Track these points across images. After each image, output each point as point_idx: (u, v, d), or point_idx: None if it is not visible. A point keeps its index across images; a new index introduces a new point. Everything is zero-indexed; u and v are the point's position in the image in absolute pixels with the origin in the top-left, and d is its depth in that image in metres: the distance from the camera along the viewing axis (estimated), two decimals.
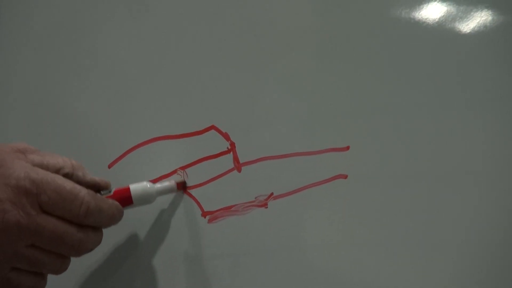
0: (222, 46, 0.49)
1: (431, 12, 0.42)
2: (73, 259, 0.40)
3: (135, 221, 0.50)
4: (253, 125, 0.47)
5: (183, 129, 0.49)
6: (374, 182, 0.42)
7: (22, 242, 0.35)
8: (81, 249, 0.38)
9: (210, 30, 0.50)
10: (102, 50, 0.55)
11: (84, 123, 0.54)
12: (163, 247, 0.49)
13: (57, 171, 0.38)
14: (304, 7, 0.46)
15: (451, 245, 0.39)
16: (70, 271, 0.51)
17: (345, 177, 0.43)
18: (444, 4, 0.42)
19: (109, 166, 0.51)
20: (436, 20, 0.42)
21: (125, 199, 0.41)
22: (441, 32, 0.42)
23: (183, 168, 0.48)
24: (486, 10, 0.41)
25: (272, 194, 0.45)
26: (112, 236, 0.50)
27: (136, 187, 0.42)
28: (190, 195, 0.48)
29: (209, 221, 0.47)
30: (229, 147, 0.47)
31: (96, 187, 0.41)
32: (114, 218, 0.40)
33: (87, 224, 0.38)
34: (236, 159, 0.47)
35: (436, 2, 0.42)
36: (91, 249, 0.40)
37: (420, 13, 0.43)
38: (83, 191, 0.37)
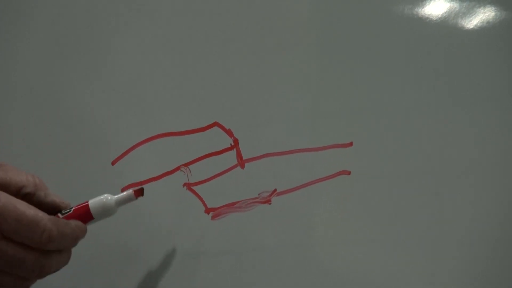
0: (225, 44, 0.49)
1: (434, 9, 0.42)
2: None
3: (137, 218, 0.50)
4: (257, 122, 0.47)
5: (187, 126, 0.49)
6: (377, 178, 0.42)
7: None
8: (42, 273, 0.38)
9: (214, 28, 0.50)
10: (106, 47, 0.55)
11: (88, 120, 0.54)
12: (167, 243, 0.49)
13: (19, 189, 0.39)
14: (308, 5, 0.46)
15: (454, 241, 0.39)
16: (69, 268, 0.51)
17: (349, 173, 0.43)
18: (447, 0, 0.42)
19: (113, 163, 0.51)
20: (439, 16, 0.42)
21: (86, 215, 0.41)
22: (444, 28, 0.42)
23: (186, 165, 0.49)
24: (489, 6, 0.41)
25: (275, 190, 0.45)
26: (114, 233, 0.51)
27: (94, 202, 0.41)
28: (194, 192, 0.48)
29: (213, 217, 0.47)
30: (233, 144, 0.47)
31: (56, 209, 0.41)
32: (77, 239, 0.40)
33: (50, 249, 0.38)
34: (239, 155, 0.47)
35: None
36: (56, 271, 0.39)
37: (423, 10, 0.43)
38: (44, 219, 0.36)
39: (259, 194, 0.46)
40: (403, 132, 0.42)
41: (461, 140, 0.40)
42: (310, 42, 0.46)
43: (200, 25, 0.51)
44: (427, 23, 0.42)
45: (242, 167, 0.47)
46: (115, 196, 0.42)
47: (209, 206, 0.47)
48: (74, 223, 0.39)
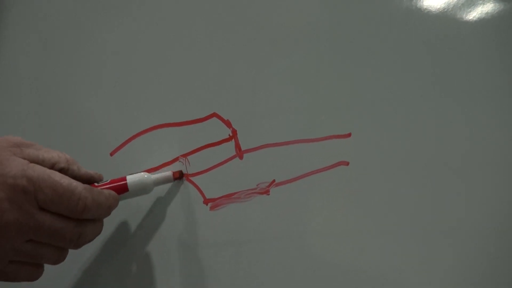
0: (223, 35, 0.49)
1: (433, 1, 0.42)
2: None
3: (136, 208, 0.50)
4: (255, 112, 0.47)
5: (185, 117, 0.49)
6: (376, 169, 0.42)
7: (20, 238, 0.36)
8: (79, 243, 0.39)
9: (212, 19, 0.50)
10: (103, 39, 0.55)
11: (86, 111, 0.54)
12: (165, 234, 0.49)
13: (52, 165, 0.39)
14: None
15: (451, 232, 0.39)
16: (67, 260, 0.51)
17: (347, 164, 0.43)
18: None
19: (111, 154, 0.51)
20: (438, 8, 0.42)
21: (121, 188, 0.41)
22: (443, 20, 0.42)
23: (184, 155, 0.49)
24: None
25: (274, 181, 0.45)
26: (113, 224, 0.51)
27: (133, 177, 0.42)
28: (192, 183, 0.48)
29: (211, 208, 0.47)
30: (231, 135, 0.47)
31: (91, 180, 0.42)
32: (111, 209, 0.40)
33: (86, 218, 0.38)
34: (237, 146, 0.47)
35: None
36: (90, 241, 0.40)
37: (421, 2, 0.43)
38: (79, 187, 0.37)
39: (257, 185, 0.46)
40: (401, 123, 0.42)
41: (460, 133, 0.40)
42: (308, 34, 0.46)
43: (198, 17, 0.51)
44: (425, 15, 0.43)
45: (241, 158, 0.47)
46: (153, 175, 0.42)
47: (207, 197, 0.48)
48: (107, 191, 0.40)
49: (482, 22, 0.41)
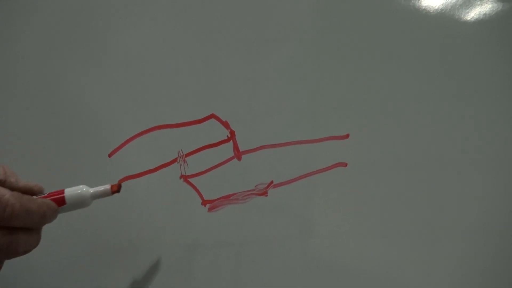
0: (222, 36, 0.49)
1: (431, 1, 0.42)
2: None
3: (134, 210, 0.50)
4: (253, 114, 0.47)
5: (183, 118, 0.49)
6: (374, 170, 0.42)
7: None
8: (9, 253, 0.37)
9: (210, 20, 0.50)
10: (102, 40, 0.55)
11: (85, 112, 0.54)
12: (163, 236, 0.49)
13: None
14: None
15: (450, 231, 0.39)
16: (68, 262, 0.51)
17: (345, 165, 0.43)
18: None
19: (110, 155, 0.51)
20: (436, 8, 0.42)
21: (58, 200, 0.41)
22: (441, 20, 0.42)
23: (182, 156, 0.49)
24: None
25: (272, 182, 0.45)
26: (111, 226, 0.51)
27: (71, 190, 0.41)
28: (190, 184, 0.48)
29: (209, 209, 0.47)
30: (229, 136, 0.47)
31: (29, 192, 0.40)
32: (45, 217, 0.39)
33: (17, 226, 0.37)
34: (236, 147, 0.47)
35: None
36: (24, 252, 0.39)
37: (420, 2, 0.43)
38: (7, 194, 0.36)
39: (255, 186, 0.46)
40: (399, 124, 0.42)
41: (458, 132, 0.40)
42: (307, 35, 0.46)
43: (196, 18, 0.51)
44: (423, 15, 0.42)
45: (239, 159, 0.47)
46: (91, 189, 0.42)
47: (205, 198, 0.48)
48: (41, 200, 0.39)
49: (480, 22, 0.41)
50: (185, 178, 0.48)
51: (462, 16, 0.42)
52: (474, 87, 0.40)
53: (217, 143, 0.48)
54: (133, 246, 0.50)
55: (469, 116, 0.40)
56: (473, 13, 0.41)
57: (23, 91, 0.58)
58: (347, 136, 0.43)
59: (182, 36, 0.51)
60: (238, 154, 0.46)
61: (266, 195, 0.45)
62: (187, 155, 0.49)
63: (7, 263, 0.44)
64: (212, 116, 0.48)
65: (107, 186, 0.42)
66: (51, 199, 0.40)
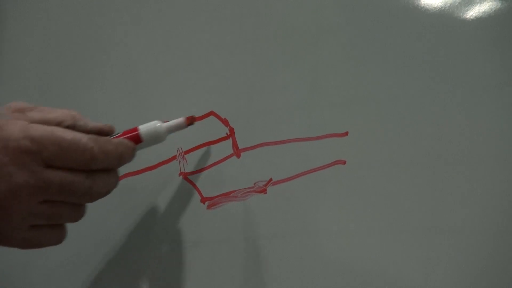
0: (221, 33, 0.49)
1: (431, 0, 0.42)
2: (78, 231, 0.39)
3: (132, 207, 0.50)
4: (252, 111, 0.47)
5: (182, 115, 0.49)
6: (373, 167, 0.42)
7: (33, 200, 0.35)
8: (93, 195, 0.38)
9: (209, 18, 0.50)
10: (102, 37, 0.55)
11: (82, 110, 0.54)
12: (162, 234, 0.49)
13: (57, 124, 0.38)
14: None
15: (450, 231, 0.39)
16: (66, 262, 0.51)
17: (344, 162, 0.43)
18: None
19: None
20: (435, 6, 0.42)
21: (133, 138, 0.40)
22: (440, 18, 0.42)
23: (181, 154, 0.49)
24: None
25: (271, 179, 0.45)
26: (109, 222, 0.51)
27: (145, 126, 0.41)
28: (189, 181, 0.48)
29: (208, 207, 0.47)
30: (228, 133, 0.47)
31: (101, 133, 0.40)
32: (123, 157, 0.39)
33: (96, 169, 0.37)
34: (235, 145, 0.47)
35: None
36: (106, 193, 0.39)
37: (420, 0, 0.43)
38: (84, 138, 0.36)
39: (254, 183, 0.46)
40: (399, 122, 0.42)
41: (458, 130, 0.40)
42: (306, 32, 0.46)
43: (195, 16, 0.51)
44: (422, 13, 0.42)
45: (238, 156, 0.47)
46: (164, 123, 0.42)
47: (204, 195, 0.48)
48: (117, 140, 0.39)
49: (479, 20, 0.41)
50: (184, 175, 0.48)
51: (461, 14, 0.42)
52: (475, 85, 0.40)
53: (216, 140, 0.48)
54: (131, 244, 0.50)
55: (470, 115, 0.40)
56: (473, 11, 0.41)
57: (22, 89, 0.58)
58: (347, 133, 0.43)
59: (180, 33, 0.51)
60: (237, 151, 0.46)
61: (265, 193, 0.45)
62: (186, 152, 0.49)
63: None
64: (211, 113, 0.48)
65: (181, 119, 0.42)
66: (127, 138, 0.40)
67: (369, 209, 0.42)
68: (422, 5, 0.42)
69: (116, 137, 0.40)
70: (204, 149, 0.48)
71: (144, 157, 0.50)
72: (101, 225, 0.50)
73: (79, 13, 0.56)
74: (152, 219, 0.49)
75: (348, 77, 0.44)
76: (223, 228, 0.47)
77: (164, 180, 0.49)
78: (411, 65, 0.42)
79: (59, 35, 0.57)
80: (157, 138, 0.41)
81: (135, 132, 0.40)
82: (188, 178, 0.48)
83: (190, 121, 0.42)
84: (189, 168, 0.48)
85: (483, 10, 0.41)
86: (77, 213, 0.39)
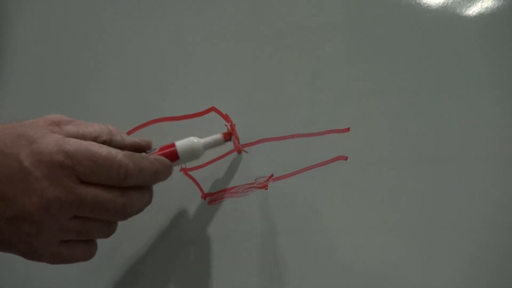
0: (222, 28, 0.49)
1: None
2: None
3: None
4: (253, 107, 0.47)
5: (183, 111, 0.49)
6: (375, 163, 0.42)
7: (65, 215, 0.35)
8: (125, 213, 0.37)
9: (212, 13, 0.50)
10: (103, 34, 0.55)
11: (84, 105, 0.54)
12: (163, 229, 0.49)
13: (94, 139, 0.37)
14: None
15: (452, 227, 0.39)
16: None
17: (346, 158, 0.43)
18: None
19: None
20: (437, 3, 0.42)
21: (171, 154, 0.40)
22: (442, 15, 0.42)
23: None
24: None
25: (272, 175, 0.45)
26: None
27: (182, 142, 0.40)
28: (190, 177, 0.48)
29: (209, 203, 0.47)
30: (229, 129, 0.46)
31: (138, 149, 0.40)
32: (159, 174, 0.38)
33: (130, 186, 0.37)
34: (236, 140, 0.47)
35: None
36: (138, 211, 0.39)
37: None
38: (119, 155, 0.36)
39: (255, 179, 0.46)
40: (400, 118, 0.42)
41: (461, 127, 0.40)
42: (308, 28, 0.46)
43: (197, 11, 0.51)
44: (424, 9, 0.42)
45: (239, 152, 0.47)
46: (202, 139, 0.41)
47: (205, 191, 0.47)
48: (153, 157, 0.39)
49: (481, 17, 0.41)
50: (185, 171, 0.48)
51: (463, 10, 0.42)
52: (477, 82, 0.40)
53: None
54: (131, 239, 0.50)
55: (473, 112, 0.40)
56: (475, 8, 0.41)
57: (21, 84, 0.58)
58: (348, 129, 0.43)
59: (181, 28, 0.51)
60: (238, 147, 0.46)
61: (267, 189, 0.45)
62: None
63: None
64: (213, 109, 0.48)
65: (219, 135, 0.42)
66: (163, 154, 0.39)
67: (371, 205, 0.42)
68: (424, 2, 0.42)
69: (153, 153, 0.39)
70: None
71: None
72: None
73: (80, 11, 0.56)
74: (152, 214, 0.49)
75: (350, 73, 0.44)
76: (224, 224, 0.46)
77: None
78: (413, 62, 0.42)
79: (59, 33, 0.57)
80: (194, 155, 0.40)
81: (172, 148, 0.40)
82: (189, 173, 0.48)
83: (229, 137, 0.42)
84: (190, 164, 0.48)
85: (485, 7, 0.41)
86: (108, 229, 0.38)
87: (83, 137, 0.37)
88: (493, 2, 0.41)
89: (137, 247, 0.49)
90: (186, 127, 0.49)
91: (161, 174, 0.39)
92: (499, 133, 0.39)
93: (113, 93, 0.53)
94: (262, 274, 0.44)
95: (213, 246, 0.46)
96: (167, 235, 0.48)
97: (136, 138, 0.41)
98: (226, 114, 0.47)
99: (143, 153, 0.39)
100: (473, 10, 0.41)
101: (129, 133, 0.51)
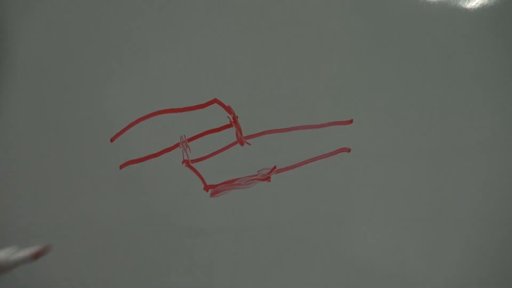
0: (225, 20, 0.49)
1: None
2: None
3: (136, 195, 0.50)
4: (256, 99, 0.47)
5: (186, 103, 0.49)
6: (377, 155, 0.42)
7: None
8: None
9: (214, 7, 0.50)
10: (105, 26, 0.54)
11: (87, 97, 0.53)
12: (166, 221, 0.49)
13: None
14: None
15: (452, 217, 0.39)
16: (70, 250, 0.51)
17: (348, 150, 0.43)
18: None
19: (111, 140, 0.51)
20: (441, 1, 0.42)
21: None
22: (445, 8, 0.42)
23: (185, 141, 0.48)
24: None
25: (275, 167, 0.45)
26: (111, 209, 0.51)
27: None
28: (193, 169, 0.48)
29: (212, 194, 0.47)
30: (232, 121, 0.46)
31: None
32: None
33: None
34: (238, 132, 0.46)
35: None
36: None
37: None
38: None
39: (258, 171, 0.46)
40: (403, 111, 0.42)
41: (463, 121, 0.40)
42: (310, 20, 0.46)
43: (201, 5, 0.50)
44: (426, 5, 0.42)
45: (242, 144, 0.47)
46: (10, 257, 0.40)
47: (208, 183, 0.47)
48: None
49: (482, 12, 0.41)
50: (187, 163, 0.48)
51: (466, 3, 0.41)
52: (479, 74, 0.40)
53: (219, 128, 0.47)
54: (135, 231, 0.50)
55: (474, 105, 0.40)
56: (475, 3, 0.41)
57: (26, 78, 0.58)
58: (351, 121, 0.43)
59: (187, 22, 0.51)
60: (241, 139, 0.46)
61: (269, 180, 0.45)
62: (190, 140, 0.48)
63: None
64: (215, 101, 0.48)
65: (26, 252, 0.39)
66: None
67: (373, 196, 0.42)
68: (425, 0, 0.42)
69: None
70: (207, 136, 0.48)
71: (147, 144, 0.50)
72: (103, 211, 0.50)
73: (87, 8, 0.56)
74: (155, 206, 0.49)
75: (353, 66, 0.44)
76: (227, 216, 0.47)
77: (167, 167, 0.49)
78: (416, 56, 0.42)
79: (64, 33, 0.57)
80: None
81: None
82: (192, 165, 0.48)
83: (36, 256, 0.39)
84: (192, 156, 0.48)
85: (486, 2, 0.41)
86: None
87: None
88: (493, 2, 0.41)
89: (137, 239, 0.49)
90: (189, 119, 0.49)
91: None
92: (503, 129, 0.39)
93: (115, 85, 0.53)
94: (265, 264, 0.44)
95: (216, 237, 0.47)
96: (168, 226, 0.48)
97: None
98: (228, 106, 0.47)
99: None
100: (474, 6, 0.41)
101: (132, 124, 0.51)
